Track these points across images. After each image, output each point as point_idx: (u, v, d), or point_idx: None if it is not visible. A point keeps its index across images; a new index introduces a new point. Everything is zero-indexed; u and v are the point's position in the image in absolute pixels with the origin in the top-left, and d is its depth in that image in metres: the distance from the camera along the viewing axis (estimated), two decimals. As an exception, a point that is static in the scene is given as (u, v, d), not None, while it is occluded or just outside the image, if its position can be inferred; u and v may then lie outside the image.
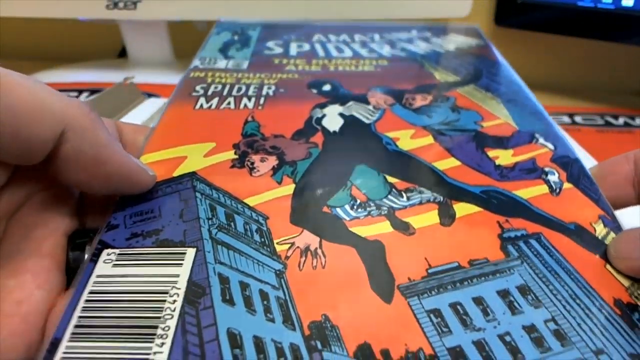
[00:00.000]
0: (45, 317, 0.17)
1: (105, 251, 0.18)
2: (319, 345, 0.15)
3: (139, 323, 0.16)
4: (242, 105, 0.28)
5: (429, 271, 0.18)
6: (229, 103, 0.28)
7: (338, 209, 0.20)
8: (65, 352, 0.15)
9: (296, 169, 0.23)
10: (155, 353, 0.15)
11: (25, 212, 0.19)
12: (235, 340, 0.15)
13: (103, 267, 0.18)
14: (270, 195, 0.21)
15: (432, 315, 0.16)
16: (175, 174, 0.22)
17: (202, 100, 0.28)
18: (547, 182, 0.22)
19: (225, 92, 0.30)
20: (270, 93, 0.29)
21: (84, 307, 0.16)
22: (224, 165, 0.23)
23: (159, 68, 0.57)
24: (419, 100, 0.28)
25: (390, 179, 0.22)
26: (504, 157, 0.23)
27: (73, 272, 0.18)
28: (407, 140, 0.25)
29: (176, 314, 0.16)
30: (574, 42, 0.48)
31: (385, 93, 0.29)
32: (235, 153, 0.24)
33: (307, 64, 0.34)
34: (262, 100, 0.29)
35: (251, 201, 0.21)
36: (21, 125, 0.15)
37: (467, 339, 0.15)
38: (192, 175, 0.22)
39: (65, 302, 0.16)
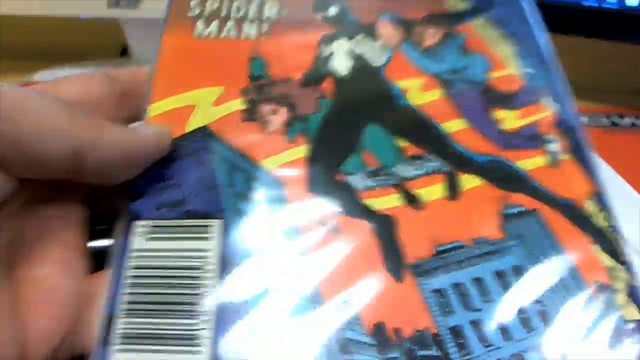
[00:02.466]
0: (76, 302, 0.18)
1: (137, 223, 0.19)
2: (340, 325, 0.17)
3: (181, 300, 0.18)
4: (244, 33, 0.27)
5: (436, 249, 0.19)
6: (229, 30, 0.27)
7: (351, 177, 0.21)
8: (122, 327, 0.17)
9: (308, 125, 0.23)
10: (201, 329, 0.17)
11: (38, 206, 0.19)
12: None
13: (138, 240, 0.19)
14: (285, 157, 0.22)
15: (437, 296, 0.18)
16: (187, 128, 0.22)
17: (200, 24, 0.27)
18: (548, 152, 0.23)
19: (223, 13, 0.28)
20: (273, 16, 0.28)
21: (131, 282, 0.18)
22: (234, 117, 0.23)
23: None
24: (429, 38, 0.27)
25: (400, 142, 0.23)
26: (509, 119, 0.24)
27: (97, 256, 0.19)
28: (416, 92, 0.25)
29: (213, 289, 0.18)
30: (578, 41, 0.46)
31: (395, 23, 0.28)
32: (244, 102, 0.24)
33: None
34: (265, 27, 0.27)
35: (267, 163, 0.21)
36: (35, 147, 0.16)
37: (466, 318, 0.18)
38: (205, 131, 0.22)
39: (100, 282, 0.18)
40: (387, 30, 0.28)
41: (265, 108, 0.23)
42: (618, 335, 0.18)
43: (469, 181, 0.22)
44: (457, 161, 0.22)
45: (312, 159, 0.22)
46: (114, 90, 0.22)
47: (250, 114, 0.23)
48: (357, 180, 0.21)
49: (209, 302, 0.17)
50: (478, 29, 0.28)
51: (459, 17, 0.29)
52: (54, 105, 0.17)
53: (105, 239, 0.20)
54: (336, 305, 0.18)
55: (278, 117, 0.23)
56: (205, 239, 0.19)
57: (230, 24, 0.27)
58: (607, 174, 0.22)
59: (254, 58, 0.25)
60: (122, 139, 0.19)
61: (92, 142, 0.17)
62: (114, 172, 0.19)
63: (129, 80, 0.23)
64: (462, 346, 0.17)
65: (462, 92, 0.25)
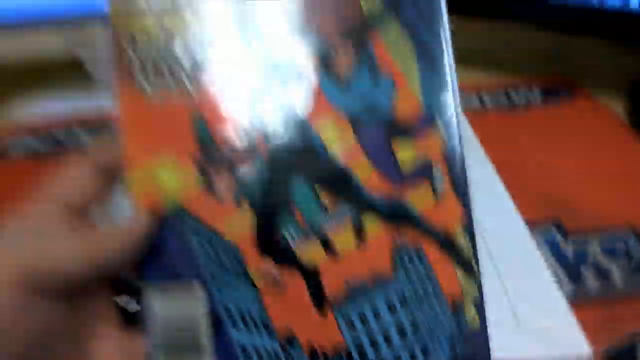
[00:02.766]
0: None
1: (149, 290, 0.28)
2: (289, 349, 0.29)
3: (190, 344, 0.29)
4: (181, 86, 0.30)
5: (347, 289, 0.29)
6: (168, 84, 0.30)
7: (287, 235, 0.29)
8: None
9: (247, 185, 0.29)
10: None
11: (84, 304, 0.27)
12: (246, 353, 0.29)
13: (154, 304, 0.29)
14: (237, 222, 0.29)
15: (352, 323, 0.28)
16: (161, 202, 0.29)
17: (143, 80, 0.30)
18: (433, 182, 0.29)
19: (158, 59, 0.30)
20: (199, 58, 0.30)
21: (155, 340, 0.29)
22: (194, 188, 0.29)
23: None
24: (343, 64, 0.30)
25: (322, 195, 0.29)
26: (404, 151, 0.29)
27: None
28: (331, 135, 0.29)
29: (208, 336, 0.29)
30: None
31: (311, 47, 0.30)
32: (198, 170, 0.29)
33: None
34: (197, 75, 0.30)
35: (224, 228, 0.29)
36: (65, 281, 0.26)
37: (365, 334, 0.28)
38: (181, 214, 0.29)
39: (138, 346, 0.28)
40: (302, 60, 0.30)
41: (215, 175, 0.30)
42: (466, 340, 0.28)
43: (371, 224, 0.29)
44: (364, 207, 0.29)
45: (256, 220, 0.29)
46: (99, 178, 0.28)
47: (204, 183, 0.29)
48: (291, 238, 0.29)
49: (208, 344, 0.29)
50: (386, 42, 0.30)
51: (369, 22, 0.30)
52: (72, 240, 0.25)
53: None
54: (286, 338, 0.29)
55: (225, 183, 0.30)
56: (196, 299, 0.29)
57: (167, 75, 0.30)
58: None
59: (196, 120, 0.30)
60: (119, 241, 0.27)
61: (105, 258, 0.26)
62: (122, 266, 0.27)
63: (106, 160, 0.29)
64: (362, 354, 0.28)
65: (368, 128, 0.29)
